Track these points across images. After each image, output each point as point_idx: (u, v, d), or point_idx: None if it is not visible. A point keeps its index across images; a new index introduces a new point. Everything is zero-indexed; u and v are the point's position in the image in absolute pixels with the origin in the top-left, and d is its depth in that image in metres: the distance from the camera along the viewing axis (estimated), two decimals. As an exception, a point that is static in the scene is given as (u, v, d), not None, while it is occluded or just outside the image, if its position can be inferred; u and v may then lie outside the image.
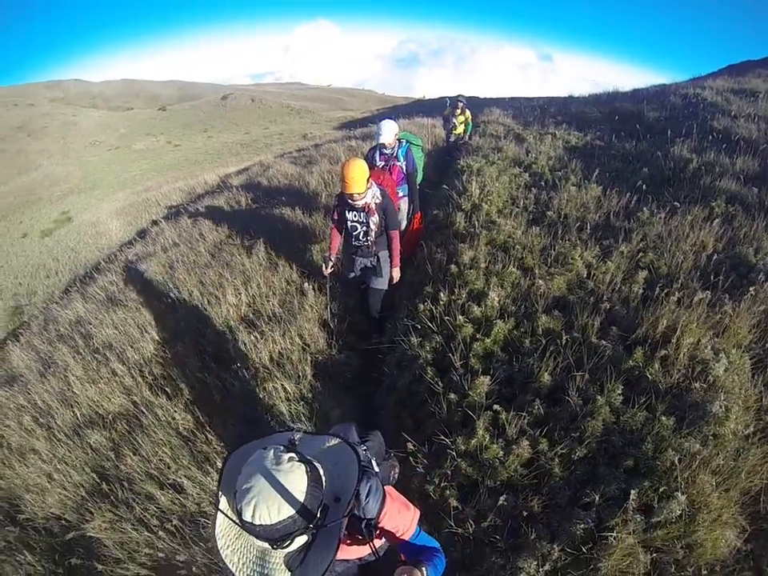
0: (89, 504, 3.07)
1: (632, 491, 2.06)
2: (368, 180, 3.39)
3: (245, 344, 3.88)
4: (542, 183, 5.79)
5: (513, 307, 3.35)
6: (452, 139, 9.50)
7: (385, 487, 1.37)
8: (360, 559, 1.48)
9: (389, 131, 4.48)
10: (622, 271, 3.63)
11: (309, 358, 3.76)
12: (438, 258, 4.19)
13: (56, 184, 29.29)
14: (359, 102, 54.59)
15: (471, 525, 2.29)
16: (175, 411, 3.58)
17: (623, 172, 6.07)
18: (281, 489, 0.95)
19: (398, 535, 1.37)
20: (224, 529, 1.08)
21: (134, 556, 2.78)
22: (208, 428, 3.35)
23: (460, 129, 9.36)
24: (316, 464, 1.10)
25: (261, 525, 0.94)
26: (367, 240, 3.68)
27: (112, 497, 3.08)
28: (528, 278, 3.60)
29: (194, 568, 2.60)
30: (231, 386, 3.65)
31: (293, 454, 1.04)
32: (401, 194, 4.74)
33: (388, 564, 1.36)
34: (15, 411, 4.00)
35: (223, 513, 1.05)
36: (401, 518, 1.36)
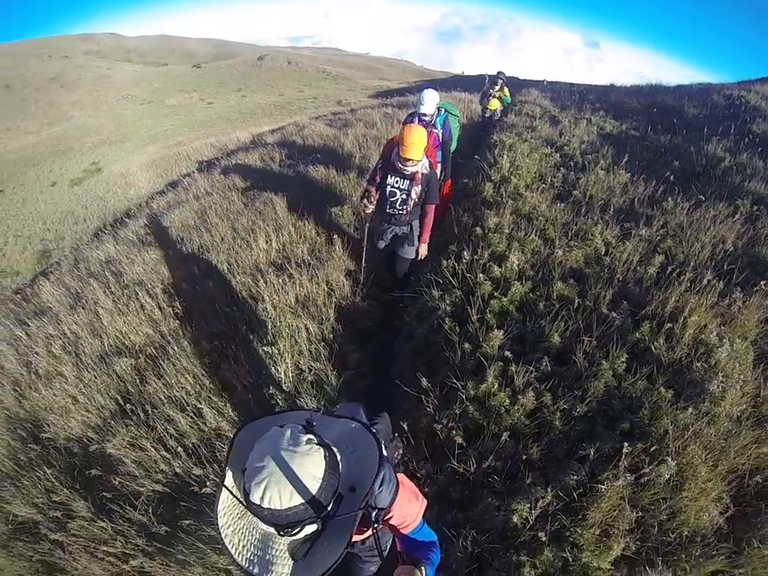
0: (111, 425, 3.30)
1: (625, 445, 2.24)
2: (425, 149, 3.39)
3: (273, 284, 4.11)
4: (572, 164, 5.88)
5: (531, 272, 3.56)
6: (487, 115, 9.51)
7: (397, 475, 1.33)
8: (363, 542, 1.44)
9: (430, 100, 4.49)
10: (639, 253, 3.76)
11: (333, 302, 3.97)
12: (464, 221, 4.39)
13: (87, 135, 29.59)
14: (396, 72, 53.55)
15: (473, 465, 2.48)
16: (201, 341, 3.86)
17: (654, 163, 6.11)
18: (295, 473, 0.90)
19: (402, 526, 1.33)
20: (227, 506, 1.02)
21: (151, 473, 2.97)
22: (232, 359, 3.59)
23: (494, 104, 9.32)
24: (334, 449, 1.04)
25: (269, 509, 0.88)
26: (404, 209, 3.67)
27: (134, 418, 3.30)
28: (548, 248, 3.79)
29: (207, 483, 2.80)
30: (256, 322, 3.90)
31: (311, 436, 0.98)
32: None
33: (388, 561, 1.37)
34: (44, 340, 4.23)
35: (228, 490, 1.00)
36: (410, 507, 1.32)
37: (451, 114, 5.00)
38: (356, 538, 1.30)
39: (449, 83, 22.98)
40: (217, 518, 1.01)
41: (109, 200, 17.69)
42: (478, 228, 4.08)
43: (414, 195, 3.57)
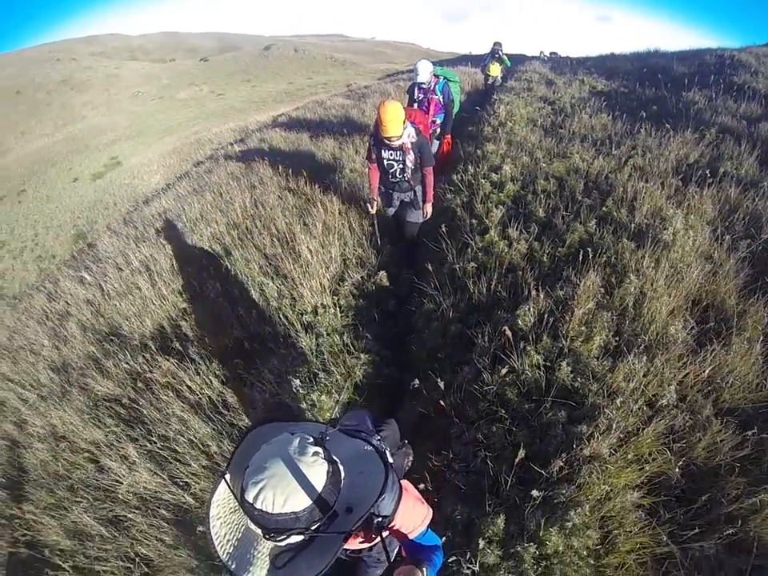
0: (186, 311, 4.10)
1: (598, 252, 3.07)
2: (404, 122, 3.60)
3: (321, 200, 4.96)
4: (561, 113, 6.79)
5: (520, 177, 4.53)
6: (489, 81, 10.41)
7: (401, 481, 1.33)
8: (370, 549, 1.43)
9: (424, 70, 4.92)
10: (611, 166, 4.65)
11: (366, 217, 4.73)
12: (468, 149, 5.38)
13: (102, 133, 30.24)
14: (403, 55, 54.02)
15: (484, 291, 3.30)
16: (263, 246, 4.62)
17: (636, 110, 6.95)
18: (295, 480, 0.91)
19: (406, 533, 1.32)
20: (222, 499, 1.05)
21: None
22: (290, 250, 4.37)
23: (494, 70, 10.17)
24: (340, 467, 1.05)
25: (260, 510, 0.89)
26: (404, 176, 3.95)
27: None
28: (534, 162, 4.74)
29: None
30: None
31: (319, 449, 0.99)
32: (437, 122, 5.46)
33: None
34: (114, 267, 5.06)
35: (227, 484, 1.02)
36: (414, 514, 1.32)
37: (450, 80, 5.38)
38: (363, 545, 1.31)
39: (456, 62, 23.58)
40: (209, 507, 1.02)
41: (136, 185, 18.49)
42: (479, 151, 5.08)
43: (409, 163, 3.83)
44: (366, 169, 4.25)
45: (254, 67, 42.69)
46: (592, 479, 2.01)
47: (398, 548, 1.49)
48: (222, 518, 1.02)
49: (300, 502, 0.90)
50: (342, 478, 1.04)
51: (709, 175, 4.25)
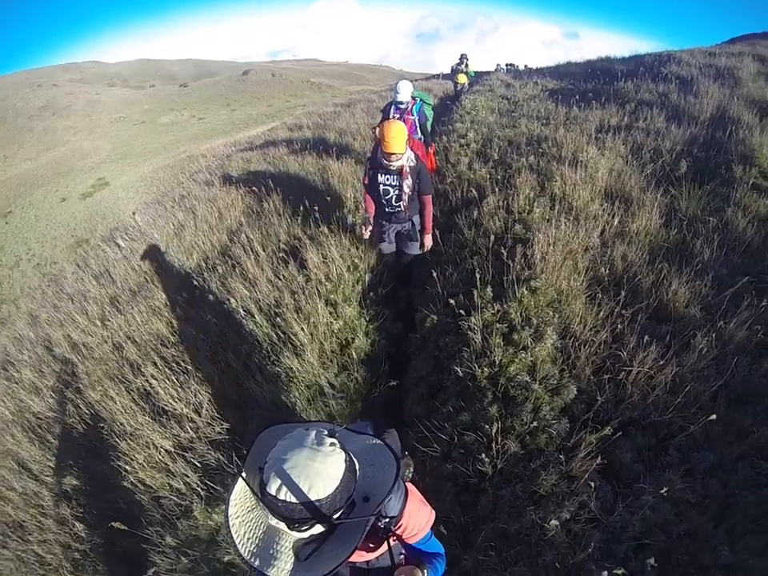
0: (228, 245, 4.99)
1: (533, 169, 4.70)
2: (407, 141, 3.47)
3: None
4: (515, 104, 8.37)
5: (481, 140, 6.11)
6: (458, 88, 12.10)
7: (405, 483, 1.35)
8: (367, 563, 1.38)
9: (405, 90, 4.97)
10: (548, 129, 6.21)
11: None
12: (443, 128, 6.97)
13: (86, 156, 29.54)
14: (377, 77, 55.74)
15: (459, 197, 4.82)
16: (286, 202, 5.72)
17: (576, 98, 8.54)
18: (316, 470, 0.92)
19: (410, 536, 1.34)
20: (239, 497, 1.05)
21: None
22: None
23: (462, 79, 11.91)
24: (354, 458, 1.07)
25: (284, 501, 0.90)
26: (400, 204, 3.72)
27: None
28: (490, 131, 6.30)
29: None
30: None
31: (335, 440, 1.01)
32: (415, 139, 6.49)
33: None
34: (157, 225, 6.21)
35: (245, 481, 1.02)
36: (419, 516, 1.34)
37: (425, 102, 5.54)
38: (370, 556, 1.30)
39: (428, 78, 25.34)
40: (227, 507, 1.03)
41: (131, 198, 18.70)
42: (450, 127, 6.64)
43: (406, 189, 3.62)
44: (363, 193, 4.02)
45: (232, 92, 43.40)
46: (545, 264, 3.31)
47: (402, 556, 1.49)
48: (241, 517, 1.02)
49: (323, 489, 0.92)
50: (357, 469, 1.06)
51: (624, 129, 5.82)
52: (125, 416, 3.45)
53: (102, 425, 3.58)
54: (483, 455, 2.40)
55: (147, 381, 3.63)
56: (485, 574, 2.16)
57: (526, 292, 3.13)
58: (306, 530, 0.94)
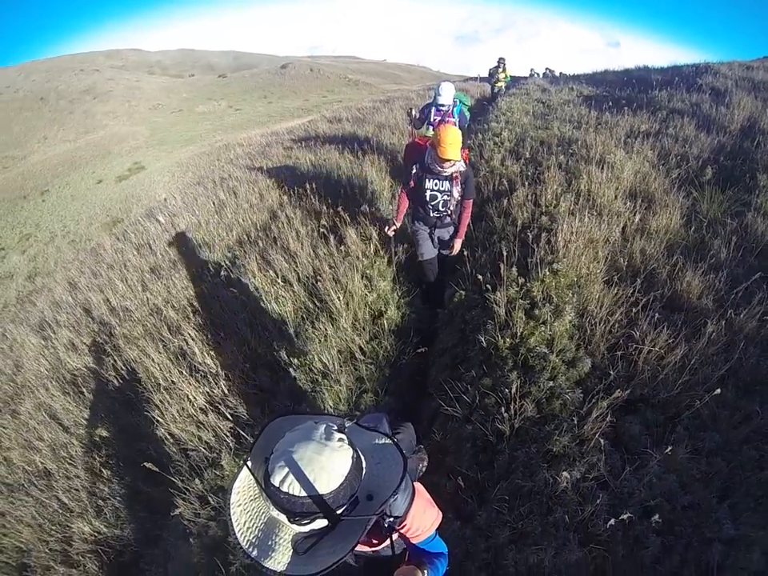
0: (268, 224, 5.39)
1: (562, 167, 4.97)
2: (462, 147, 3.42)
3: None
4: (550, 108, 8.59)
5: (514, 140, 6.36)
6: (495, 90, 12.38)
7: (414, 483, 1.35)
8: (374, 552, 1.39)
9: (448, 93, 4.88)
10: (579, 132, 6.44)
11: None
12: (478, 127, 7.27)
13: (124, 141, 29.96)
14: (414, 77, 55.67)
15: (491, 189, 5.19)
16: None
17: (609, 104, 8.71)
18: (321, 464, 0.92)
19: (414, 536, 1.33)
20: (243, 486, 1.04)
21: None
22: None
23: (501, 83, 12.20)
24: (361, 455, 1.06)
25: (287, 493, 0.90)
26: (447, 209, 3.70)
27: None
28: (524, 132, 6.56)
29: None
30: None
31: (343, 436, 1.01)
32: None
33: (392, 559, 1.44)
34: (198, 203, 6.69)
35: (250, 470, 1.02)
36: (425, 517, 1.33)
37: (464, 104, 5.47)
38: (372, 548, 1.33)
39: (467, 80, 25.51)
40: (229, 495, 1.03)
41: (167, 182, 18.74)
42: (485, 126, 6.91)
43: (456, 194, 3.61)
44: (400, 193, 3.94)
45: (270, 84, 43.78)
46: (567, 251, 3.58)
47: (403, 549, 1.50)
48: (243, 506, 1.01)
49: (327, 484, 0.92)
50: (364, 466, 1.05)
51: (653, 135, 6.04)
52: (161, 372, 3.67)
53: (137, 379, 3.81)
54: (503, 411, 2.58)
55: (185, 340, 3.92)
56: (498, 529, 2.29)
57: (548, 273, 3.42)
58: (306, 524, 0.94)
